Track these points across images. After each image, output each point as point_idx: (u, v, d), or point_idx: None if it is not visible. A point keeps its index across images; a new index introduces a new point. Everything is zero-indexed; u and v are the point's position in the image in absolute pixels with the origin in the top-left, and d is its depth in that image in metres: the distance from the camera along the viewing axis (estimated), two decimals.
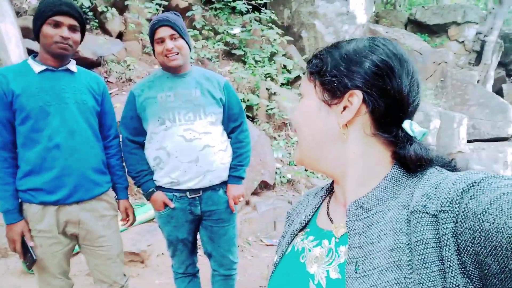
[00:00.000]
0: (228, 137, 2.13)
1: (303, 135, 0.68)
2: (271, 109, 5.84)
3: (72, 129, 1.73)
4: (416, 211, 0.54)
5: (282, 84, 6.65)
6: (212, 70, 6.11)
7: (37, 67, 1.69)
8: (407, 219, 0.55)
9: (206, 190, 2.01)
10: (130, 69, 5.48)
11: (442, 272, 0.49)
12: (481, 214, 0.46)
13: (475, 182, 0.51)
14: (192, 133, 1.94)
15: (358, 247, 0.58)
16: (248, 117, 5.83)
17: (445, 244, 0.49)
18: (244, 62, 6.46)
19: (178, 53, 1.92)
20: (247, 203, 4.47)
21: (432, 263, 0.49)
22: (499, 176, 0.52)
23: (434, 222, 0.51)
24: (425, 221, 0.52)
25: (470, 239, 0.47)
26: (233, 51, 6.55)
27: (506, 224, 0.44)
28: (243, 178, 2.10)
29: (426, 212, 0.53)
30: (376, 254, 0.55)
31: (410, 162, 0.61)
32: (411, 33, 9.05)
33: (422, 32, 9.40)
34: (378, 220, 0.59)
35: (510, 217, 0.43)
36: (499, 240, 0.44)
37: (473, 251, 0.47)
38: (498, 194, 0.47)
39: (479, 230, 0.46)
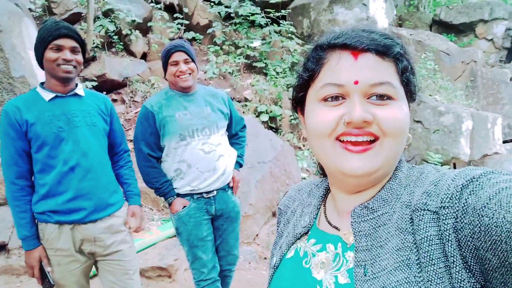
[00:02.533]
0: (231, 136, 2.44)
1: (400, 144, 0.59)
2: (295, 119, 5.80)
3: (84, 151, 1.78)
4: (417, 209, 0.54)
5: None
6: (234, 84, 6.20)
7: (47, 95, 1.76)
8: (410, 218, 0.55)
9: (219, 191, 2.24)
10: (154, 88, 5.63)
11: (448, 268, 0.49)
12: (481, 209, 0.46)
13: (473, 178, 0.51)
14: (209, 146, 2.18)
15: (366, 250, 0.57)
16: (271, 128, 5.83)
17: (447, 240, 0.49)
18: (266, 74, 6.50)
19: (190, 74, 2.15)
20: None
21: (438, 259, 0.49)
22: (498, 171, 0.52)
23: (435, 219, 0.51)
24: (427, 218, 0.52)
25: (470, 234, 0.47)
26: (254, 64, 6.61)
27: (505, 219, 0.44)
28: (242, 165, 2.47)
29: (428, 210, 0.53)
30: (384, 256, 0.55)
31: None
32: (436, 34, 8.81)
33: (448, 32, 9.14)
34: (385, 222, 0.58)
35: (509, 211, 0.43)
36: (498, 234, 0.44)
37: (474, 246, 0.47)
38: (497, 189, 0.47)
39: (479, 225, 0.46)
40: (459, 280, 0.48)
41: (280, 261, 0.71)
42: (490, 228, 0.45)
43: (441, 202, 0.52)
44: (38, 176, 1.75)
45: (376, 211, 0.60)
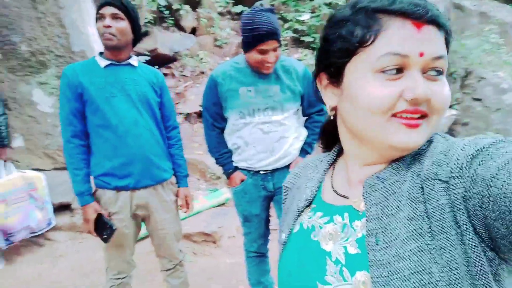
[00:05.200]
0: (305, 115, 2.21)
1: (441, 119, 0.59)
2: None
3: (135, 118, 1.87)
4: (428, 179, 0.54)
5: None
6: None
7: (103, 62, 1.86)
8: (421, 187, 0.55)
9: (278, 170, 2.12)
10: (202, 63, 5.74)
11: (459, 235, 0.50)
12: (490, 180, 0.47)
13: (483, 148, 0.51)
14: (270, 126, 2.03)
15: (377, 218, 0.57)
16: None
17: (458, 209, 0.50)
18: (313, 49, 6.36)
19: (274, 62, 1.96)
20: None
21: (450, 227, 0.50)
22: (508, 140, 0.51)
23: (446, 188, 0.52)
24: (437, 187, 0.53)
25: (479, 204, 0.48)
26: (302, 38, 6.49)
27: None
28: (310, 153, 2.21)
29: (438, 179, 0.53)
30: (396, 225, 0.55)
31: None
32: (503, 4, 8.06)
33: None
34: (395, 191, 0.58)
35: None
36: (508, 205, 0.44)
37: (482, 215, 0.48)
38: (506, 159, 0.47)
39: (488, 195, 0.47)
40: (472, 246, 0.49)
41: (288, 236, 0.71)
42: (499, 199, 0.45)
43: (451, 172, 0.51)
44: (93, 139, 1.88)
45: (387, 180, 0.60)
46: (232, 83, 2.02)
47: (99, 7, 1.78)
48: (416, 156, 0.60)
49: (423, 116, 0.56)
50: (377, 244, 0.55)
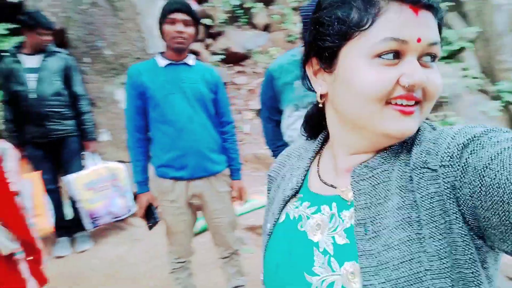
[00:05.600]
0: None
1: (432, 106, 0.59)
2: None
3: (190, 114, 1.98)
4: (417, 167, 0.54)
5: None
6: None
7: (162, 62, 2.00)
8: (410, 176, 0.55)
9: None
10: (273, 59, 5.79)
11: (448, 224, 0.49)
12: (482, 170, 0.46)
13: (474, 137, 0.50)
14: None
15: (365, 208, 0.56)
16: None
17: (448, 198, 0.50)
18: None
19: None
20: None
21: (439, 216, 0.50)
22: (499, 129, 0.51)
23: (435, 177, 0.51)
24: (427, 176, 0.52)
25: (469, 193, 0.47)
26: None
27: (508, 180, 0.43)
28: None
29: (427, 168, 0.53)
30: (385, 214, 0.54)
31: None
32: None
33: None
34: (384, 180, 0.58)
35: None
36: (501, 195, 0.44)
37: (472, 205, 0.48)
38: (498, 149, 0.46)
39: (480, 185, 0.46)
40: (462, 235, 0.49)
41: (273, 227, 0.70)
42: (491, 189, 0.45)
43: (441, 161, 0.51)
44: (153, 133, 2.04)
45: (375, 168, 0.59)
46: (287, 76, 2.00)
47: (169, 11, 1.90)
48: (404, 144, 0.59)
49: (417, 102, 0.55)
50: (366, 234, 0.54)
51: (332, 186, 0.65)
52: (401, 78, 0.53)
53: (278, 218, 0.69)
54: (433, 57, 0.56)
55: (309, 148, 0.74)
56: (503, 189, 0.43)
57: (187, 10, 1.92)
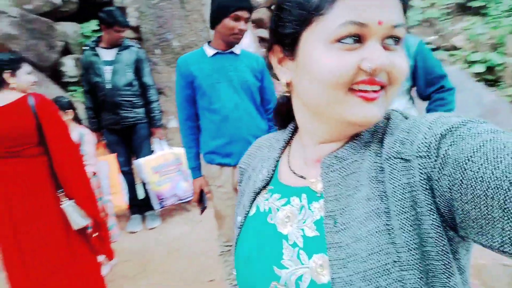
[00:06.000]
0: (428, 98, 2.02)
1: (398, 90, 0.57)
2: None
3: (236, 102, 2.02)
4: (390, 158, 0.52)
5: None
6: (441, 29, 5.38)
7: (210, 51, 2.05)
8: (380, 166, 0.54)
9: None
10: None
11: (420, 215, 0.48)
12: (464, 163, 0.44)
13: (452, 127, 0.48)
14: None
15: (335, 199, 0.55)
16: (487, 80, 4.83)
17: (423, 189, 0.48)
18: (484, 15, 5.31)
19: None
20: None
21: (410, 207, 0.49)
22: (476, 120, 0.49)
23: (408, 167, 0.50)
24: (400, 166, 0.51)
25: (448, 186, 0.46)
26: (468, 4, 5.49)
27: (493, 175, 0.41)
28: None
29: (400, 158, 0.51)
30: (354, 206, 0.53)
31: None
32: None
33: None
34: (354, 170, 0.56)
35: (498, 167, 0.41)
36: (484, 189, 0.42)
37: (450, 197, 0.46)
38: (480, 141, 0.44)
39: (461, 178, 0.44)
40: (435, 227, 0.47)
41: (244, 220, 0.69)
42: (474, 182, 0.43)
43: (418, 151, 0.49)
44: (201, 121, 2.13)
45: (345, 159, 0.58)
46: None
47: (236, 8, 1.92)
48: (374, 133, 0.58)
49: (381, 87, 0.53)
50: (335, 226, 0.53)
51: (302, 177, 0.63)
52: (363, 63, 0.50)
53: (249, 211, 0.69)
54: (397, 39, 0.53)
55: (280, 138, 0.73)
56: (487, 183, 0.42)
57: (251, 8, 1.95)
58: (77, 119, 2.90)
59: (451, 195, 0.45)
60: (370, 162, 0.55)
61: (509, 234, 0.40)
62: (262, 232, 0.63)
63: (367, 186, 0.53)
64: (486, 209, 0.42)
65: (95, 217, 2.21)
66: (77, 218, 2.15)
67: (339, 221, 0.53)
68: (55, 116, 2.10)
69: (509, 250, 0.41)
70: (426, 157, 0.48)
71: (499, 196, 0.40)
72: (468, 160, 0.44)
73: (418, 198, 0.48)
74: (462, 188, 0.44)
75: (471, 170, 0.43)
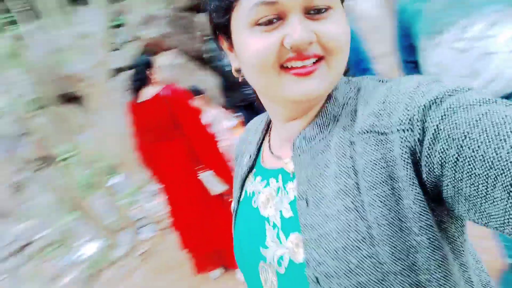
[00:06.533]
0: None
1: (345, 60, 0.55)
2: None
3: None
4: (362, 132, 0.50)
5: None
6: None
7: None
8: (350, 141, 0.52)
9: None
10: None
11: (397, 190, 0.46)
12: (460, 139, 0.42)
13: (437, 98, 0.45)
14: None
15: (306, 181, 0.55)
16: None
17: (404, 163, 0.46)
18: None
19: None
20: None
21: (383, 183, 0.47)
22: (460, 88, 0.46)
23: (384, 141, 0.48)
24: (373, 141, 0.49)
25: (439, 162, 0.43)
26: None
27: (497, 155, 0.39)
28: None
29: (374, 131, 0.49)
30: (324, 185, 0.53)
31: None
32: None
33: None
34: (322, 149, 0.55)
35: (502, 146, 0.39)
36: (485, 169, 0.40)
37: (440, 174, 0.44)
38: (475, 115, 0.42)
39: (456, 155, 0.42)
40: (416, 201, 0.45)
41: (237, 205, 0.70)
42: (473, 161, 0.40)
43: (399, 124, 0.46)
44: None
45: (313, 139, 0.57)
46: (415, 3, 1.68)
47: None
48: (345, 106, 0.56)
49: (320, 59, 0.51)
50: (307, 207, 0.53)
51: (279, 157, 0.64)
52: (284, 40, 0.50)
53: (240, 195, 0.71)
54: (325, 8, 0.50)
55: (263, 120, 0.74)
56: (489, 163, 0.39)
57: None
58: (209, 101, 3.29)
59: (441, 172, 0.43)
60: (338, 138, 0.53)
61: None
62: (249, 215, 0.65)
63: (335, 164, 0.52)
64: (485, 189, 0.40)
65: (230, 183, 2.50)
66: (214, 186, 2.54)
67: (310, 201, 0.53)
68: (185, 103, 2.48)
69: (510, 231, 0.39)
70: (409, 130, 0.46)
71: (504, 178, 0.38)
72: (465, 137, 0.41)
73: (396, 173, 0.46)
74: (457, 166, 0.42)
75: (469, 148, 0.41)
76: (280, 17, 0.50)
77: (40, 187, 4.72)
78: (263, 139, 0.71)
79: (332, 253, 0.49)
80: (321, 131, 0.57)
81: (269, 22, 0.50)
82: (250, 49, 0.52)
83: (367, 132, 0.49)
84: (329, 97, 0.58)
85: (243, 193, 0.70)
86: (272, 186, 0.62)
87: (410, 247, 0.46)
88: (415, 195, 0.45)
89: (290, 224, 0.56)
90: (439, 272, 0.47)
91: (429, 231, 0.46)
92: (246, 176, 0.70)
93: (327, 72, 0.52)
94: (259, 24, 0.50)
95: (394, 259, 0.46)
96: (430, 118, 0.44)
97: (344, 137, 0.53)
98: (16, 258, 4.24)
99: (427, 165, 0.44)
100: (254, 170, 0.69)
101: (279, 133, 0.65)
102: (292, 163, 0.59)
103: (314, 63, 0.51)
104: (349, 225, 0.48)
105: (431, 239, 0.46)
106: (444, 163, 0.43)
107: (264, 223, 0.61)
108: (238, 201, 0.71)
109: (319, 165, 0.54)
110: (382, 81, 0.56)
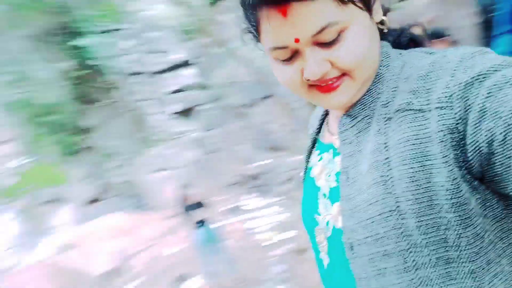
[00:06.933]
0: None
1: (370, 64, 0.57)
2: None
3: None
4: (399, 110, 0.52)
5: None
6: None
7: None
8: (387, 118, 0.54)
9: None
10: None
11: (429, 168, 0.48)
12: (508, 117, 0.42)
13: (480, 75, 0.46)
14: None
15: (349, 156, 0.59)
16: None
17: (441, 141, 0.47)
18: None
19: None
20: None
21: (413, 160, 0.49)
22: (506, 63, 0.46)
23: (420, 118, 0.49)
24: (408, 118, 0.51)
25: (486, 140, 0.44)
26: None
27: None
28: None
29: (411, 109, 0.51)
30: (362, 160, 0.56)
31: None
32: None
33: None
34: (364, 126, 0.58)
35: None
36: None
37: (487, 152, 0.44)
38: None
39: (504, 132, 0.43)
40: (450, 179, 0.46)
41: (304, 177, 0.76)
42: None
43: (438, 102, 0.47)
44: None
45: (357, 117, 0.60)
46: None
47: None
48: (388, 83, 0.58)
49: (343, 74, 0.55)
50: (347, 180, 0.58)
51: (332, 133, 0.68)
52: (302, 74, 0.55)
53: (307, 168, 0.75)
54: (336, 37, 0.52)
55: None
56: None
57: None
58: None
59: (489, 150, 0.44)
60: (378, 115, 0.56)
61: None
62: (308, 185, 0.72)
63: (373, 140, 0.55)
64: None
65: None
66: None
67: (350, 175, 0.57)
68: None
69: None
70: (448, 107, 0.46)
71: None
72: None
73: (430, 150, 0.47)
74: (505, 144, 0.43)
75: None
76: (296, 51, 0.54)
77: None
78: (326, 114, 0.75)
79: (363, 223, 0.53)
80: (364, 109, 0.59)
81: (287, 59, 0.55)
82: (277, 76, 0.59)
83: (404, 110, 0.51)
84: (376, 75, 0.59)
85: (308, 166, 0.76)
86: (325, 159, 0.67)
87: (440, 223, 0.47)
88: (448, 172, 0.46)
89: (335, 194, 0.61)
90: (470, 249, 0.48)
91: (461, 208, 0.47)
92: (311, 149, 0.76)
93: (352, 83, 0.55)
94: (279, 60, 0.56)
95: (421, 233, 0.48)
96: (474, 96, 0.45)
97: (382, 114, 0.55)
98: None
99: (473, 143, 0.45)
100: (316, 144, 0.75)
101: (332, 110, 0.69)
102: (339, 139, 0.62)
103: (338, 78, 0.54)
104: (377, 198, 0.51)
105: (463, 217, 0.47)
106: (492, 141, 0.43)
107: (317, 192, 0.67)
108: (305, 172, 0.77)
109: (361, 142, 0.58)
110: (430, 53, 0.56)
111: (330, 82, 0.55)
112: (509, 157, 0.42)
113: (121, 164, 9.26)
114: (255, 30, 0.55)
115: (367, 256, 0.53)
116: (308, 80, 0.54)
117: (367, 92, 0.59)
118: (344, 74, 0.54)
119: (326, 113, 0.75)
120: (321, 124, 0.75)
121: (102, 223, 7.69)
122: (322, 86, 0.55)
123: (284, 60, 0.55)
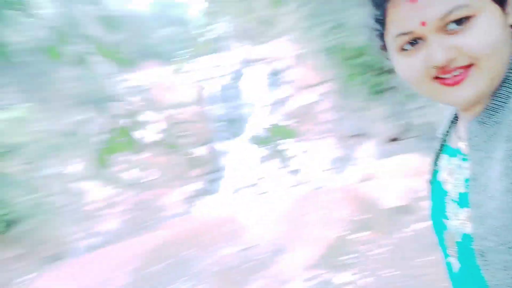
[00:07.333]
0: None
1: (500, 58, 0.55)
2: None
3: None
4: None
5: None
6: None
7: None
8: None
9: None
10: None
11: None
12: None
13: None
14: None
15: (479, 163, 0.58)
16: None
17: None
18: None
19: None
20: None
21: None
22: None
23: None
24: None
25: None
26: None
27: None
28: None
29: None
30: (493, 166, 0.55)
31: None
32: None
33: None
34: (495, 132, 0.57)
35: None
36: None
37: None
38: None
39: None
40: None
41: (431, 179, 0.76)
42: None
43: None
44: None
45: (486, 123, 0.59)
46: None
47: None
48: None
49: (469, 65, 0.54)
50: (476, 187, 0.57)
51: (460, 138, 0.67)
52: (427, 62, 0.55)
53: (434, 171, 0.76)
54: (459, 21, 0.52)
55: None
56: None
57: None
58: None
59: None
60: (508, 120, 0.54)
61: None
62: (436, 188, 0.73)
63: (503, 147, 0.53)
64: None
65: None
66: None
67: (479, 181, 0.56)
68: None
69: None
70: None
71: None
72: None
73: None
74: None
75: None
76: (421, 38, 0.54)
77: None
78: (455, 118, 0.74)
79: (494, 230, 0.52)
80: (492, 115, 0.57)
81: (411, 45, 0.55)
82: (399, 70, 0.60)
83: None
84: (504, 78, 0.57)
85: (435, 169, 0.77)
86: (453, 163, 0.67)
87: None
88: None
89: (464, 199, 0.61)
90: None
91: None
92: (439, 152, 0.76)
93: (479, 76, 0.53)
94: (404, 49, 0.56)
95: None
96: None
97: (511, 119, 0.53)
98: None
99: None
100: (444, 149, 0.74)
101: (461, 115, 0.68)
102: (467, 145, 0.62)
103: (464, 69, 0.53)
104: (509, 206, 0.50)
105: None
106: None
107: (445, 196, 0.67)
108: (432, 175, 0.77)
109: (491, 148, 0.56)
110: None
111: (455, 74, 0.53)
112: None
113: (423, 105, 9.04)
114: (381, 25, 0.59)
115: (500, 263, 0.53)
116: (434, 67, 0.53)
117: (495, 96, 0.57)
118: (470, 65, 0.53)
119: (456, 117, 0.70)
120: (449, 127, 0.74)
121: (398, 161, 8.00)
122: (447, 79, 0.54)
123: (406, 48, 0.56)
